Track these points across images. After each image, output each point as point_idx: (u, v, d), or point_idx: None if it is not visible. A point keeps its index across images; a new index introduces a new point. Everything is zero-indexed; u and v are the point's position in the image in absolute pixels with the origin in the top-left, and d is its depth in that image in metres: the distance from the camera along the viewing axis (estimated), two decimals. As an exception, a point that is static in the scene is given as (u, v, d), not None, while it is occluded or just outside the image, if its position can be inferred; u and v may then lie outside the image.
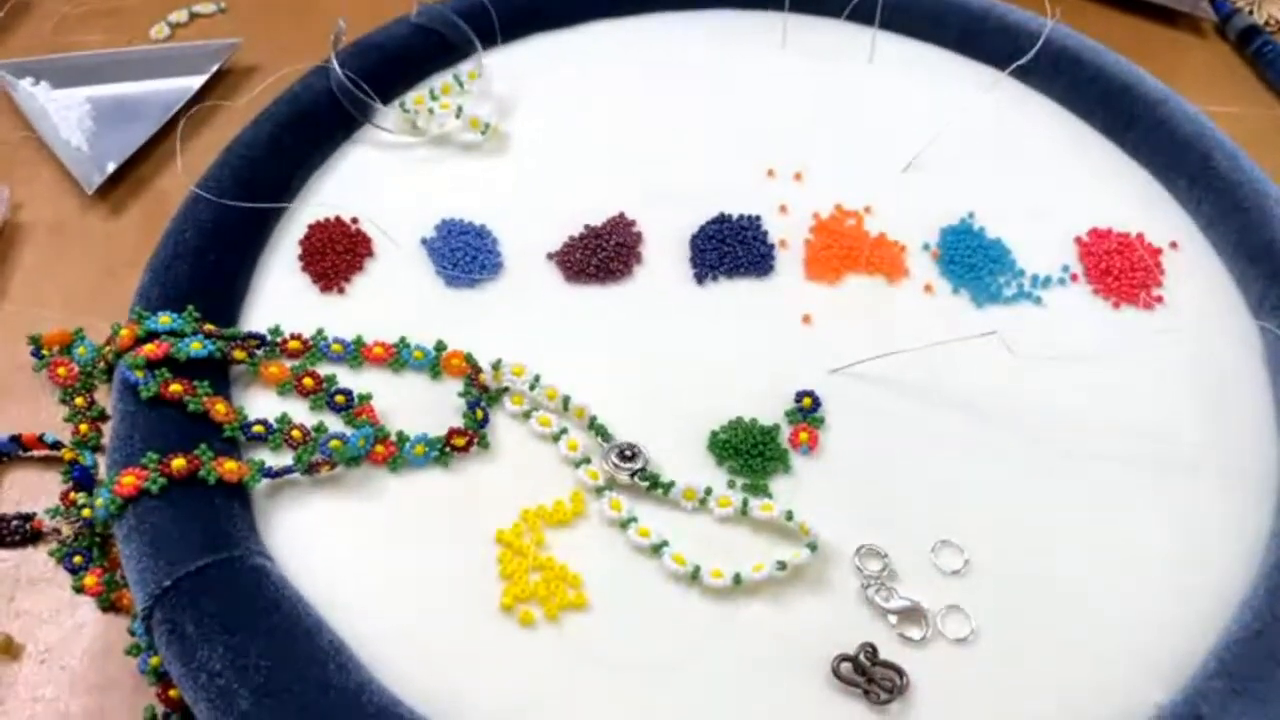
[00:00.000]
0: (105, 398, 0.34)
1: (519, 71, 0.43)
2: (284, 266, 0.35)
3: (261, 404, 0.31)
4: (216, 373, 0.31)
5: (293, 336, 0.32)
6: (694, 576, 0.27)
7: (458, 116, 0.39)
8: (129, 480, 0.27)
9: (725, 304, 0.35)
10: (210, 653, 0.25)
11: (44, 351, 0.34)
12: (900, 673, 0.26)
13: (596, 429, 0.30)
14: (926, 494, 0.30)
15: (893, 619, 0.27)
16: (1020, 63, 0.41)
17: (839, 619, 0.27)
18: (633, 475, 0.29)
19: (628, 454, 0.29)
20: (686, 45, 0.45)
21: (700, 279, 0.36)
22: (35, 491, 0.33)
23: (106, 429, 0.33)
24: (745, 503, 0.29)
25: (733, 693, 0.26)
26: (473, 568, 0.28)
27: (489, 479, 0.30)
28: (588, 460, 0.30)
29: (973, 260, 0.37)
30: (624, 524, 0.28)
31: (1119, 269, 0.37)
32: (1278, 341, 0.34)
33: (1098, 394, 0.33)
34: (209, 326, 0.31)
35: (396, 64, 0.41)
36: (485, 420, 0.30)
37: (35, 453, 0.34)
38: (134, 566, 0.26)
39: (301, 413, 0.31)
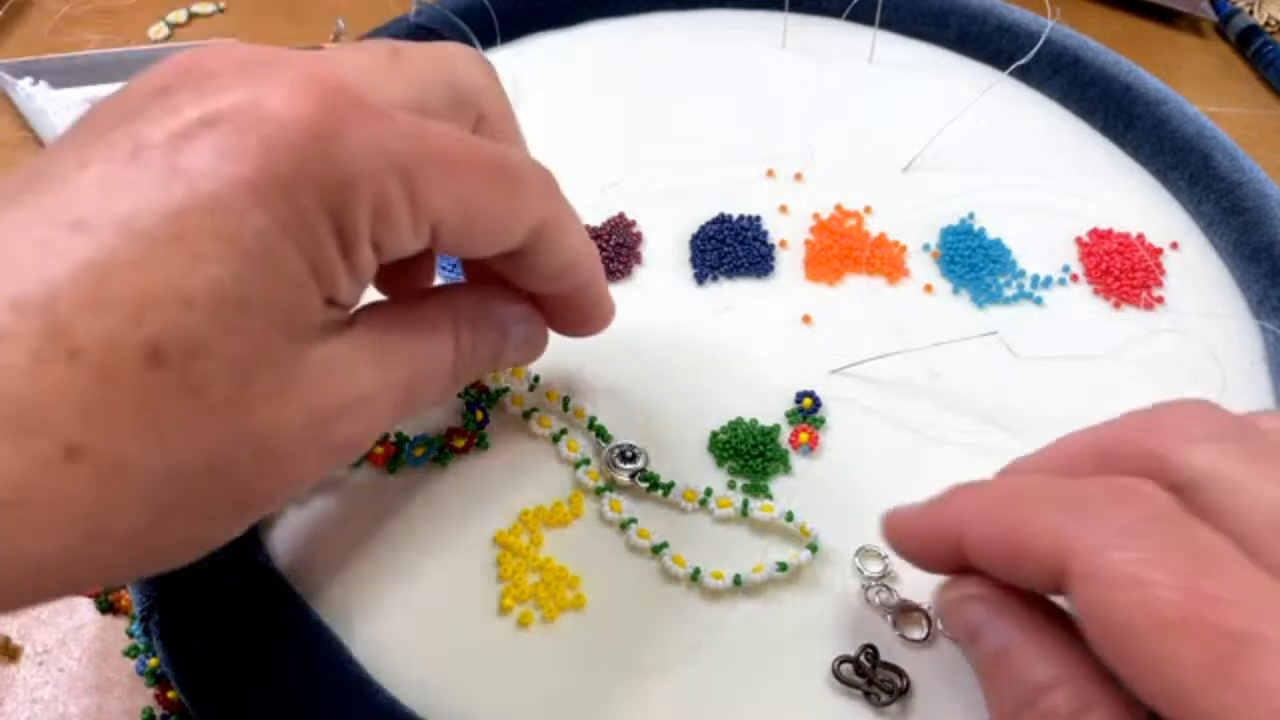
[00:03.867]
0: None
1: (518, 71, 0.43)
2: (283, 267, 0.35)
3: (260, 404, 0.31)
4: (215, 373, 0.31)
5: (292, 337, 0.32)
6: (694, 578, 0.27)
7: (457, 116, 0.39)
8: (127, 481, 0.27)
9: (725, 304, 0.35)
10: (208, 654, 0.25)
11: (42, 352, 0.34)
12: (901, 674, 0.26)
13: (596, 429, 0.30)
14: (927, 494, 0.30)
15: (893, 619, 0.27)
16: (1020, 63, 0.41)
17: (839, 620, 0.27)
18: (633, 476, 0.29)
19: (628, 455, 0.29)
20: (686, 45, 0.45)
21: (700, 279, 0.36)
22: (33, 492, 0.33)
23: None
24: (745, 504, 0.29)
25: (732, 694, 0.26)
26: (472, 569, 0.28)
27: (488, 480, 0.30)
28: (587, 461, 0.30)
29: (973, 260, 0.37)
30: (624, 525, 0.28)
31: (1119, 269, 0.37)
32: (1278, 341, 0.34)
33: (1098, 394, 0.33)
34: (208, 327, 0.31)
35: (396, 64, 0.41)
36: (485, 421, 0.30)
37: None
38: (132, 567, 0.26)
39: (300, 413, 0.30)
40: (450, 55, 0.23)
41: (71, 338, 0.16)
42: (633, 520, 0.29)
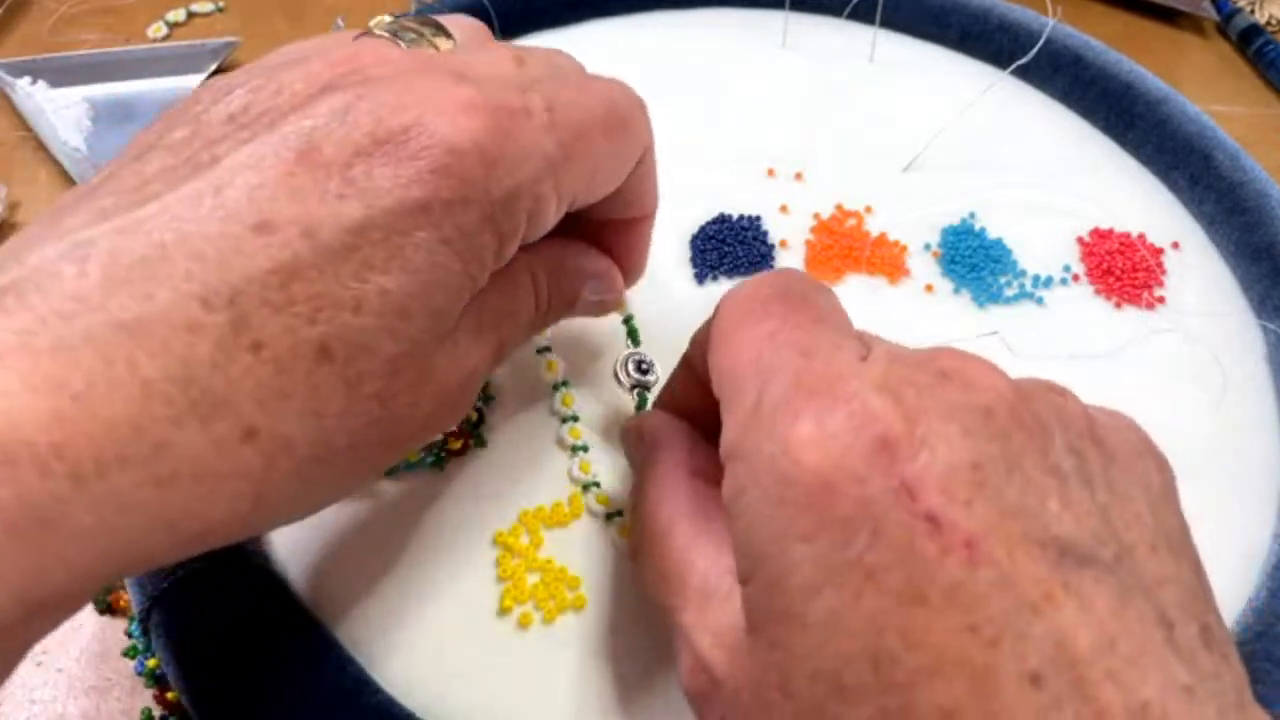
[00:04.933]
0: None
1: (518, 71, 0.42)
2: (282, 266, 0.35)
3: (259, 404, 0.31)
4: (214, 373, 0.31)
5: (291, 337, 0.32)
6: None
7: (457, 116, 0.39)
8: (126, 481, 0.27)
9: (725, 304, 0.35)
10: (207, 654, 0.25)
11: (41, 352, 0.34)
12: (901, 675, 0.26)
13: (630, 331, 0.31)
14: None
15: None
16: (1021, 62, 0.40)
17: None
18: (633, 389, 0.29)
19: (643, 367, 0.29)
20: (686, 44, 0.44)
21: (700, 279, 0.35)
22: (32, 492, 0.33)
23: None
24: None
25: (733, 695, 0.26)
26: (472, 569, 0.28)
27: (488, 480, 0.30)
28: (576, 419, 0.30)
29: (974, 260, 0.36)
30: (585, 487, 0.29)
31: (1121, 269, 0.37)
32: (1280, 342, 0.34)
33: (1099, 394, 0.33)
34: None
35: (395, 63, 0.41)
36: (480, 420, 0.30)
37: (32, 453, 0.34)
38: (131, 568, 0.26)
39: (299, 413, 0.30)
40: (556, 56, 0.25)
41: (254, 333, 0.18)
42: (595, 484, 0.28)
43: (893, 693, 0.15)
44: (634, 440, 0.26)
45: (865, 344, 0.20)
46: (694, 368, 0.24)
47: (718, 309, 0.22)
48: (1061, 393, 0.19)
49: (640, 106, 0.25)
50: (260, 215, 0.18)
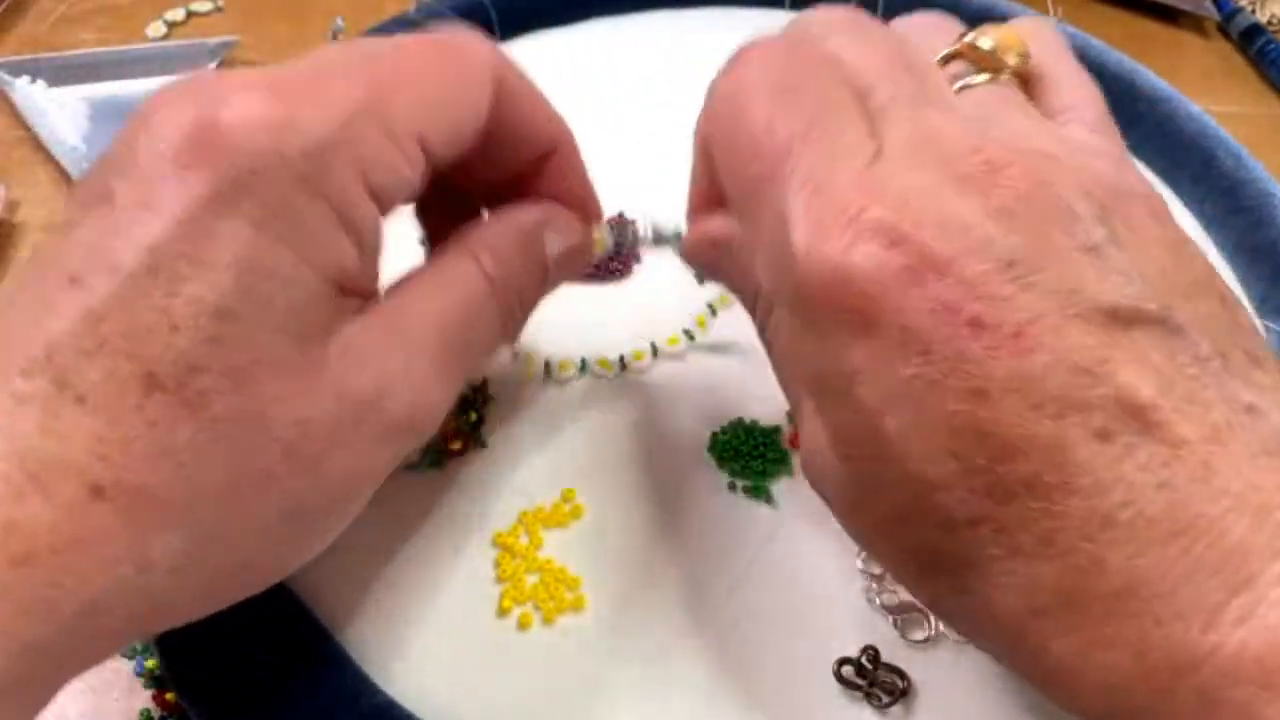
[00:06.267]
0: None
1: (518, 70, 0.42)
2: (281, 266, 0.35)
3: (258, 404, 0.31)
4: (213, 373, 0.30)
5: (290, 336, 0.32)
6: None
7: (456, 115, 0.39)
8: (124, 481, 0.27)
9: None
10: (206, 655, 0.25)
11: (40, 351, 0.34)
12: (903, 676, 0.26)
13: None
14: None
15: (895, 620, 0.27)
16: (1022, 61, 0.40)
17: (841, 621, 0.27)
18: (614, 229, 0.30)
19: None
20: (687, 43, 0.44)
21: (700, 279, 0.35)
22: (31, 492, 0.33)
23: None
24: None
25: (733, 696, 0.26)
26: (471, 570, 0.28)
27: (487, 480, 0.29)
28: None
29: (974, 260, 0.36)
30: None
31: (1122, 268, 0.36)
32: (1281, 341, 0.34)
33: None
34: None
35: (395, 62, 0.41)
36: (480, 421, 0.30)
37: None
38: (129, 569, 0.26)
39: (299, 413, 0.30)
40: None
41: (76, 385, 0.17)
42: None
43: (976, 475, 0.16)
44: (705, 251, 0.26)
45: (874, 131, 0.19)
46: (706, 157, 0.24)
47: (713, 90, 0.23)
48: (1086, 165, 0.20)
49: (473, 33, 0.24)
50: (70, 270, 0.18)
